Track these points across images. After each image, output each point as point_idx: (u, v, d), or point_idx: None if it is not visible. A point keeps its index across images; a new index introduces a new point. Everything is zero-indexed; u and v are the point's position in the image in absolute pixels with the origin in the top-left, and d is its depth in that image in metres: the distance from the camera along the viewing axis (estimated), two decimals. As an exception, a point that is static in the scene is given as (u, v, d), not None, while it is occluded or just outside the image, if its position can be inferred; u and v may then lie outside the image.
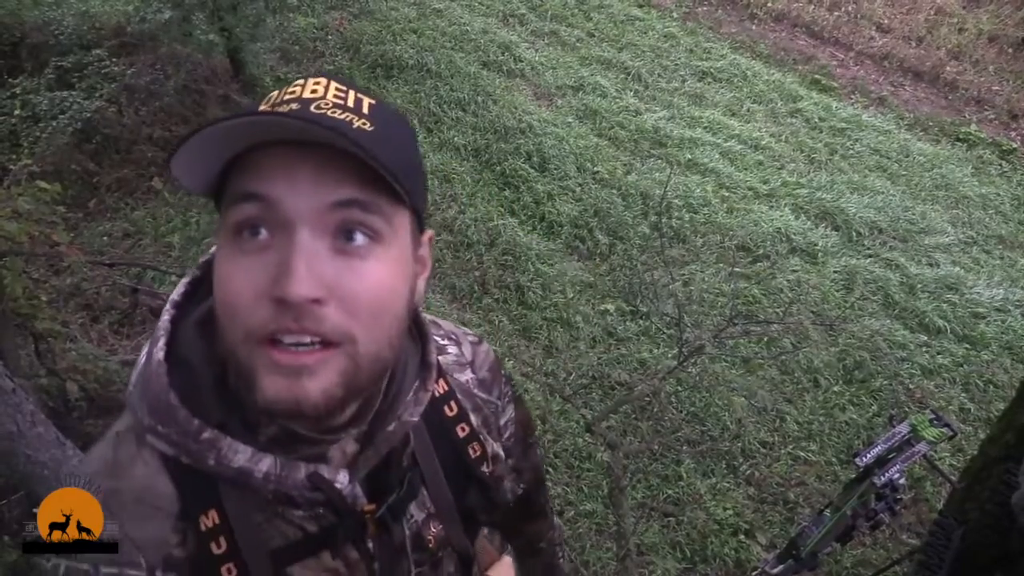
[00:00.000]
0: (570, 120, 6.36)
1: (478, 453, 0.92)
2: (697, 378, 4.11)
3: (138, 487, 0.72)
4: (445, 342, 0.98)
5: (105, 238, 4.44)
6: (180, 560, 0.71)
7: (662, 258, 4.74)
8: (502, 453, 0.99)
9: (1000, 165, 7.30)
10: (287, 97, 0.69)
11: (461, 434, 0.91)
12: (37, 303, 2.96)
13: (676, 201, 5.56)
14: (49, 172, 4.17)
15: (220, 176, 0.68)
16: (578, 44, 7.76)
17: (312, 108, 0.67)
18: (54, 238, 2.80)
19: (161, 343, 0.74)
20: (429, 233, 0.80)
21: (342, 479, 0.74)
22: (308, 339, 0.64)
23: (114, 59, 5.08)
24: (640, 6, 8.84)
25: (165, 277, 4.04)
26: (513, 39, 7.39)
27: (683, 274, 4.88)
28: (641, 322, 4.53)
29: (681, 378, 4.05)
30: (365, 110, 0.70)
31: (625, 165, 5.93)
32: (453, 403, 0.91)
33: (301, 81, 0.71)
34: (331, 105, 0.68)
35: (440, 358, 0.93)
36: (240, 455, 0.70)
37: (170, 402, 0.71)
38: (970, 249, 5.92)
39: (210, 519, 0.72)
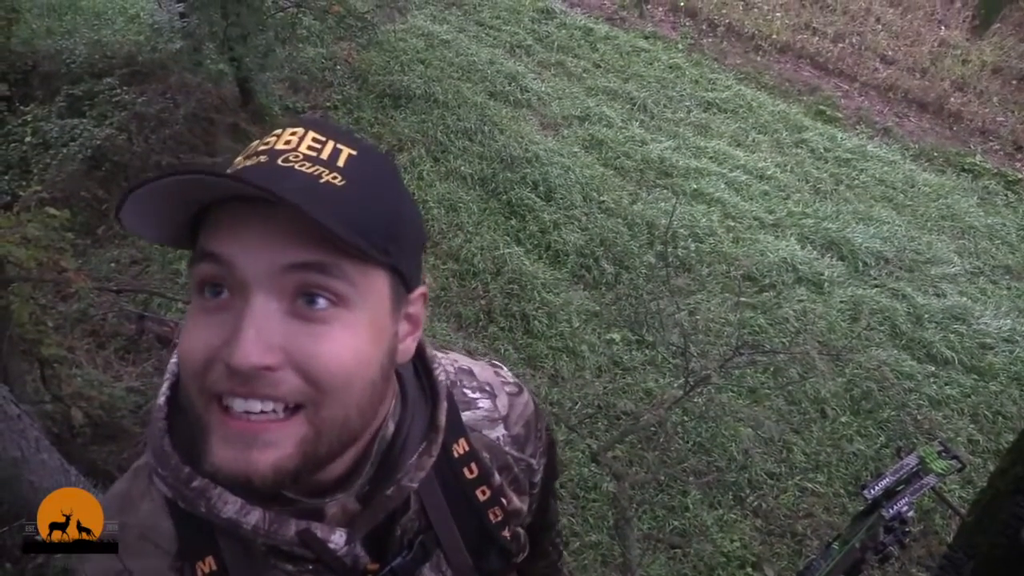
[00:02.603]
0: (576, 150, 6.39)
1: (499, 518, 0.88)
2: (703, 408, 4.09)
3: (143, 523, 0.72)
4: (476, 395, 0.93)
5: (113, 264, 4.47)
6: None
7: (668, 287, 4.73)
8: (525, 508, 0.96)
9: (1006, 195, 7.30)
10: (260, 148, 0.67)
11: (482, 497, 0.87)
12: (43, 329, 2.97)
13: (682, 231, 5.57)
14: (58, 198, 4.19)
15: (192, 228, 0.67)
16: (584, 75, 7.83)
17: (280, 161, 0.64)
18: (62, 264, 2.80)
19: (165, 387, 0.75)
20: (421, 290, 0.76)
21: (337, 539, 0.73)
22: (259, 406, 0.62)
23: (125, 87, 5.15)
24: (645, 38, 8.92)
25: (172, 304, 4.06)
26: (520, 69, 7.46)
27: (689, 303, 4.87)
28: (647, 351, 4.52)
29: (687, 408, 4.03)
30: (340, 162, 0.66)
31: (631, 195, 5.95)
32: (474, 465, 0.87)
33: (279, 130, 0.68)
34: (301, 158, 0.65)
35: (468, 414, 0.90)
36: (230, 506, 0.69)
37: (164, 447, 0.71)
38: (977, 279, 5.90)
39: (207, 565, 0.72)
